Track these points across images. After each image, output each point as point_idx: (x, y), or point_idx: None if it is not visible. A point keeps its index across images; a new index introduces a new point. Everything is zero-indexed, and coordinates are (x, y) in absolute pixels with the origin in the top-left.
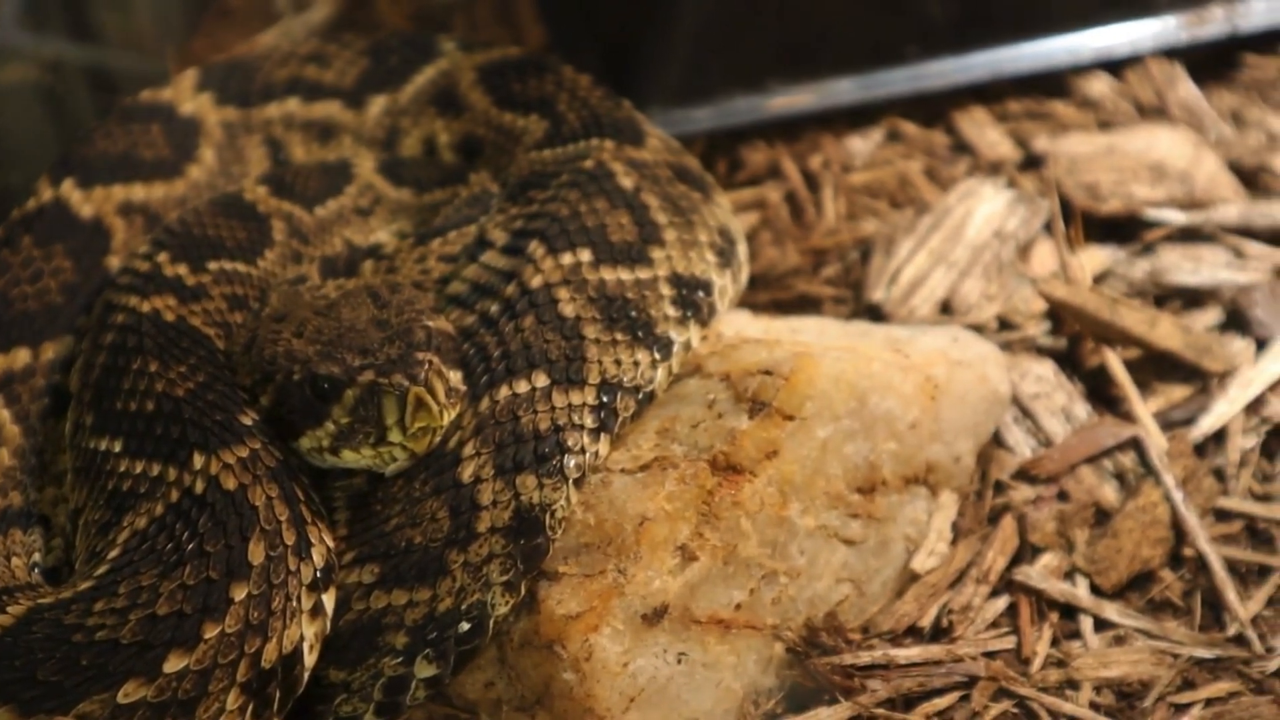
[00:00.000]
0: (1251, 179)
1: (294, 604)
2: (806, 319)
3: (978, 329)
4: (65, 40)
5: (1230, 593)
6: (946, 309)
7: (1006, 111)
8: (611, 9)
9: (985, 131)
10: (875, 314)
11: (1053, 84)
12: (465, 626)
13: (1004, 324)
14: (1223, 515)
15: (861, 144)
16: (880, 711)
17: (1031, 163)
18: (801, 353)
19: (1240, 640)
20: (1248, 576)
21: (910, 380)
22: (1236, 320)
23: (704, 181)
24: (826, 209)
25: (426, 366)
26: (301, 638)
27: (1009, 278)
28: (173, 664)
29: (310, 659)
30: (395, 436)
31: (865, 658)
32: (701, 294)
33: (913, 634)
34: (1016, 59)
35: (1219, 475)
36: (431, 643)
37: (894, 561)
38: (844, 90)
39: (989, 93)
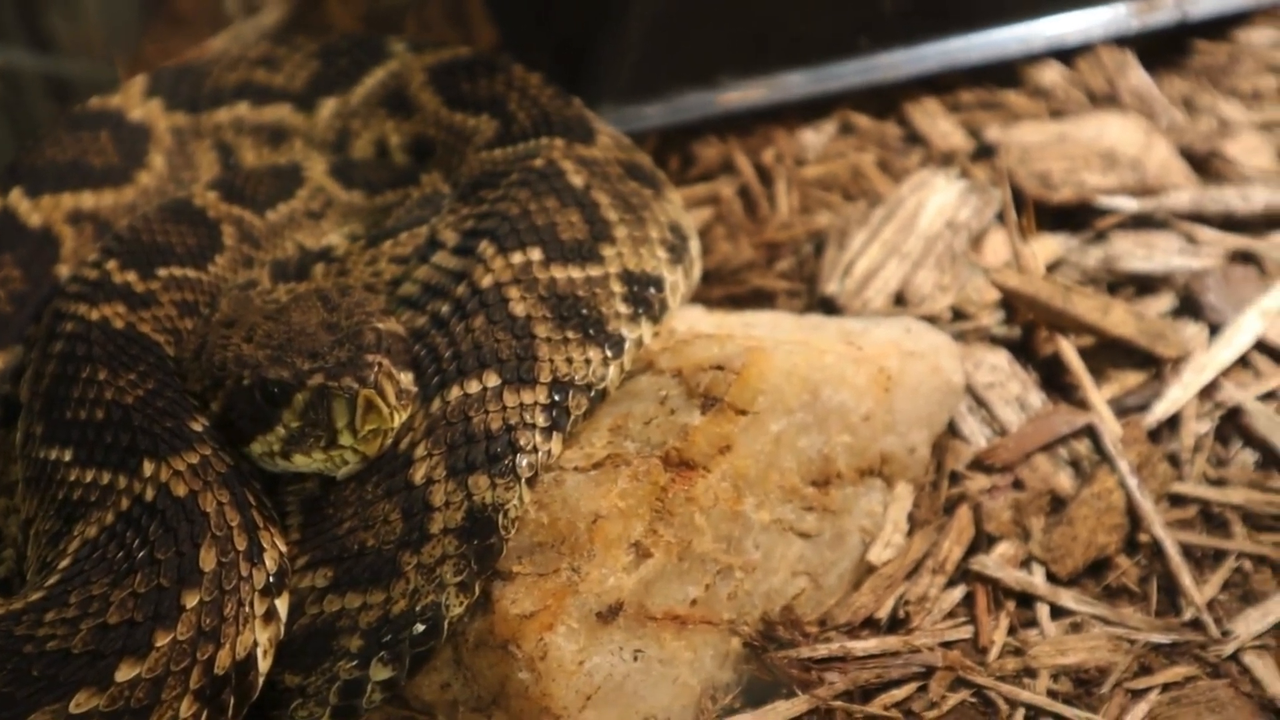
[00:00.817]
0: (1203, 165)
1: (247, 610)
2: (760, 313)
3: (931, 320)
4: (17, 48)
5: (1186, 577)
6: (900, 300)
7: (959, 102)
8: (562, 7)
9: (937, 122)
10: (829, 307)
11: (1005, 74)
12: (420, 628)
13: (958, 314)
14: (1177, 500)
15: (814, 137)
16: (838, 704)
17: (984, 153)
18: (753, 347)
19: (1196, 625)
20: (1203, 561)
21: (863, 372)
22: (1189, 306)
23: (655, 178)
24: (780, 203)
25: (376, 369)
26: (255, 643)
27: (962, 268)
28: (124, 673)
29: (264, 664)
30: (346, 439)
31: (822, 650)
32: (653, 290)
33: (870, 626)
34: (968, 49)
35: (1173, 461)
36: (386, 645)
37: (850, 554)
38: (795, 83)
39: (941, 83)
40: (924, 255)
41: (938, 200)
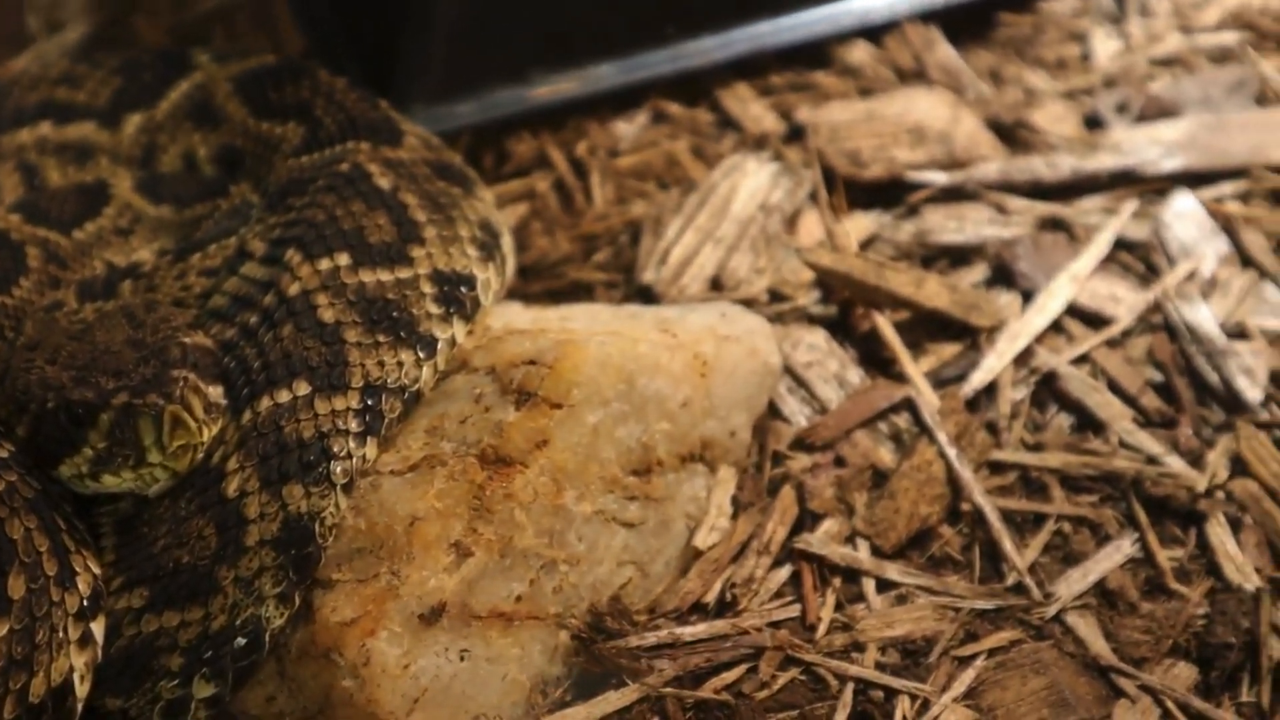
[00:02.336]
0: (1009, 135)
1: (60, 635)
2: (577, 306)
3: (749, 302)
4: None
5: (1007, 543)
6: (717, 285)
7: (769, 85)
8: (367, 9)
9: (749, 106)
10: (647, 295)
11: (814, 54)
12: (241, 642)
13: (775, 296)
14: (997, 467)
15: (627, 127)
16: (669, 690)
17: (795, 134)
18: (566, 340)
19: (1019, 589)
20: (1024, 526)
21: (679, 359)
22: (1002, 275)
23: (466, 177)
24: (595, 195)
25: (182, 384)
26: (71, 669)
27: (777, 250)
28: None
29: (82, 690)
30: (154, 457)
31: (651, 638)
32: (464, 289)
33: (698, 610)
34: (777, 32)
35: (991, 429)
36: (208, 662)
37: (676, 540)
38: (606, 75)
39: (751, 67)
40: (739, 239)
41: (750, 184)
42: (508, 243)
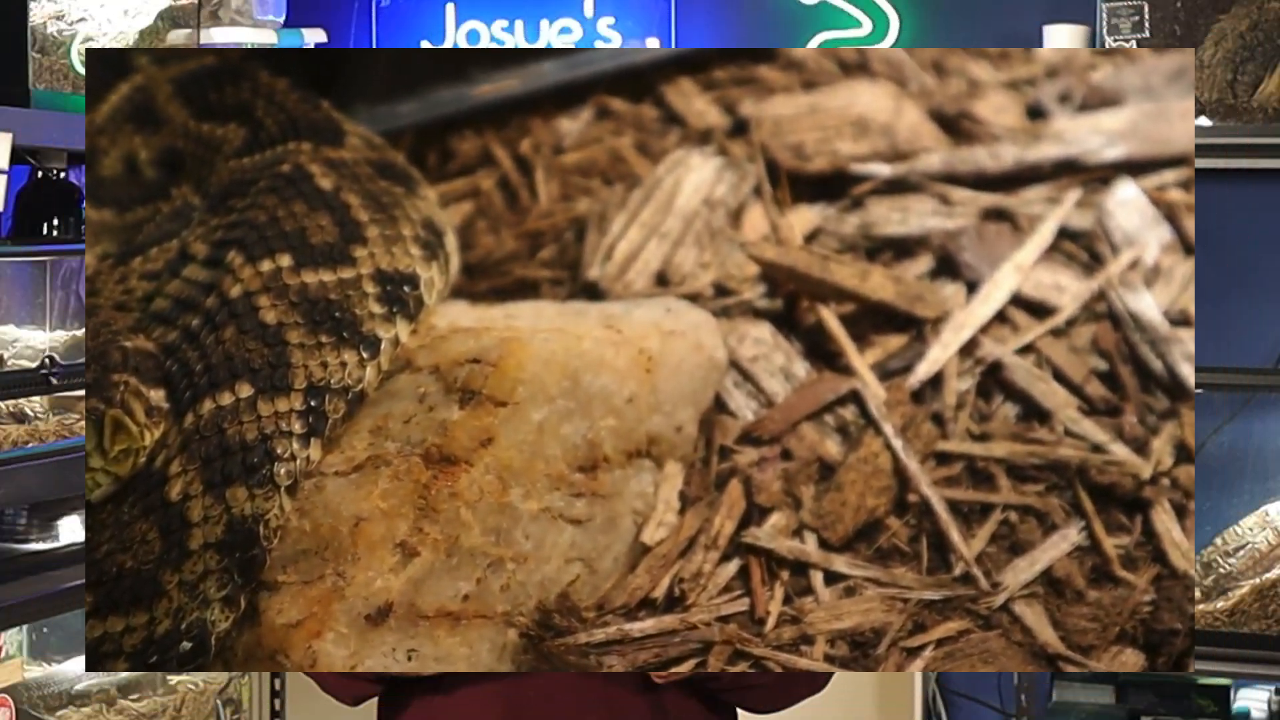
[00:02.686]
0: (952, 125)
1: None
2: (523, 304)
3: (694, 297)
4: None
5: (954, 533)
6: (663, 280)
7: (713, 80)
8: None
9: (693, 101)
10: (593, 292)
11: (757, 48)
12: (187, 646)
13: (720, 290)
14: (943, 458)
15: (570, 124)
16: None
17: (740, 128)
18: (510, 338)
19: (967, 579)
20: (970, 516)
21: (623, 355)
22: (947, 266)
23: (408, 176)
24: (540, 192)
25: (122, 388)
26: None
27: (722, 244)
28: None
29: None
30: (96, 462)
31: (600, 635)
32: (407, 288)
33: (647, 606)
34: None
35: (937, 419)
36: (153, 667)
37: (623, 536)
38: (549, 72)
39: (695, 62)
40: (683, 234)
41: (694, 178)
42: (451, 241)
